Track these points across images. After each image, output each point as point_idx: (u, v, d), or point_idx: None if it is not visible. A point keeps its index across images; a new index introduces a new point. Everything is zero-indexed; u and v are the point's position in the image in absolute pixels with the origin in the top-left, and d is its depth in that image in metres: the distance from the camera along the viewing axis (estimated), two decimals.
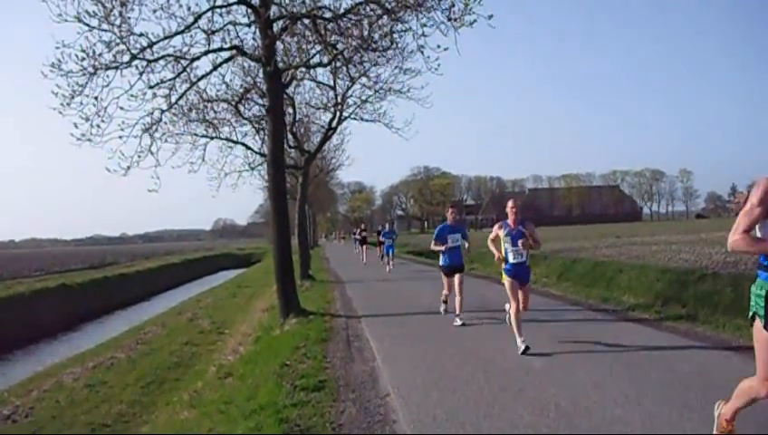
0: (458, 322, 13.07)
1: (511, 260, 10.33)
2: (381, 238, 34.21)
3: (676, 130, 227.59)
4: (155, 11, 14.44)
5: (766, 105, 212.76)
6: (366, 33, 15.29)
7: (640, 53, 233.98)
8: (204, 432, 8.38)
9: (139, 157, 15.74)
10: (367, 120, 27.75)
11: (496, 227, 10.70)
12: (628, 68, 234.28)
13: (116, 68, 14.48)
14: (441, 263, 13.97)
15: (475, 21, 14.07)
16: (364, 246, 40.80)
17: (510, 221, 10.40)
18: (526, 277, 10.51)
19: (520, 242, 10.28)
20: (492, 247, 10.86)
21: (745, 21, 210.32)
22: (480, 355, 10.08)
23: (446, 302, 14.54)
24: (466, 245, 13.90)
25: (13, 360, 25.89)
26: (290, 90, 22.88)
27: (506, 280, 10.39)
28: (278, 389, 9.00)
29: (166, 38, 14.85)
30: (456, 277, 13.46)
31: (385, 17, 15.03)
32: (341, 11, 15.09)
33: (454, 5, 14.05)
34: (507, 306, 11.00)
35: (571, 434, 6.26)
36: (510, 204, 10.51)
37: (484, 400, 7.52)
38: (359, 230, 45.95)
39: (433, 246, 13.86)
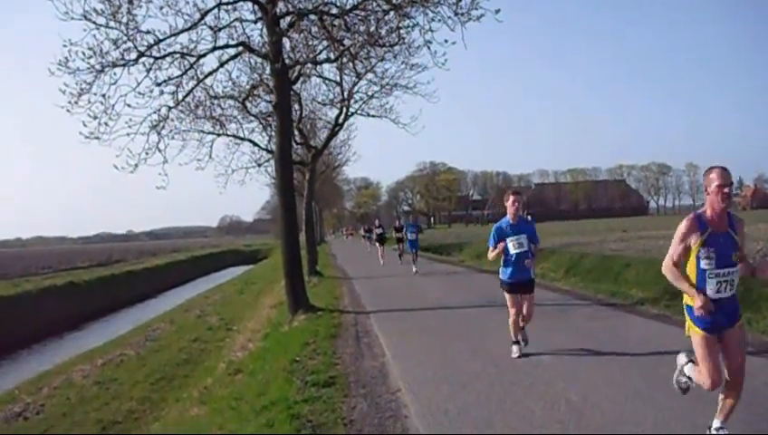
0: (516, 352, 9.63)
1: (711, 293, 5.51)
2: (403, 233, 29.97)
3: (682, 124, 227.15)
4: (161, 8, 14.55)
5: None
6: (373, 28, 15.32)
7: (645, 47, 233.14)
8: (215, 429, 8.39)
9: (147, 154, 15.82)
10: (373, 116, 27.75)
11: (684, 228, 5.53)
12: (632, 61, 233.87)
13: (123, 65, 14.53)
14: (501, 276, 9.74)
15: (482, 15, 14.08)
16: (382, 246, 34.49)
17: (710, 213, 5.47)
18: (733, 319, 5.61)
19: (737, 259, 5.51)
20: (682, 284, 5.79)
21: (752, 13, 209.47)
22: (490, 350, 10.08)
23: (518, 341, 9.76)
24: (533, 249, 9.70)
25: (22, 357, 26.02)
26: (296, 86, 22.88)
27: (697, 334, 5.67)
28: (289, 385, 9.01)
29: (172, 35, 14.92)
30: (525, 298, 9.62)
31: (392, 13, 15.02)
32: (348, 7, 15.11)
33: (461, 0, 14.04)
34: (684, 377, 6.17)
35: (584, 434, 6.27)
36: (717, 177, 5.36)
37: (495, 394, 7.52)
38: (374, 227, 38.64)
39: (491, 254, 9.72)
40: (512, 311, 9.62)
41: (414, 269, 25.55)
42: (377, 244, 35.71)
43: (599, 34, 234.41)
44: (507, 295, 9.66)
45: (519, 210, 9.60)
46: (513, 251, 9.43)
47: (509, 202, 9.59)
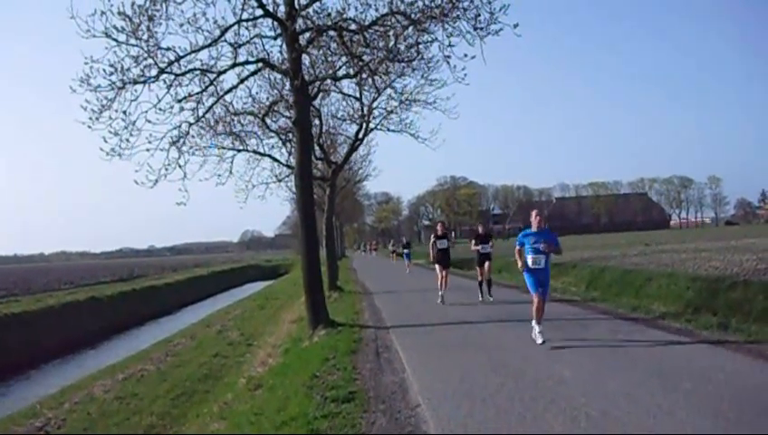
0: None
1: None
2: (491, 248, 18.67)
3: (704, 137, 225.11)
4: (182, 25, 14.59)
5: None
6: (392, 44, 15.35)
7: (666, 60, 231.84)
8: None
9: (167, 170, 15.88)
10: (393, 131, 27.77)
11: None
12: (654, 74, 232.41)
13: (144, 82, 14.63)
14: None
15: (500, 30, 14.09)
16: (446, 269, 20.13)
17: None
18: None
19: None
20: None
21: None
22: (510, 365, 10.01)
23: None
24: None
25: (44, 372, 26.13)
26: (316, 101, 22.97)
27: None
28: (308, 400, 9.00)
29: (193, 52, 15.01)
30: None
31: (411, 28, 15.08)
32: (367, 23, 15.12)
33: (479, 15, 14.06)
34: None
35: None
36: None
37: (515, 410, 7.46)
38: (436, 237, 20.72)
39: None
40: None
41: (538, 334, 11.55)
42: (441, 266, 20.14)
43: (620, 48, 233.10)
44: None
45: None
46: None
47: None
